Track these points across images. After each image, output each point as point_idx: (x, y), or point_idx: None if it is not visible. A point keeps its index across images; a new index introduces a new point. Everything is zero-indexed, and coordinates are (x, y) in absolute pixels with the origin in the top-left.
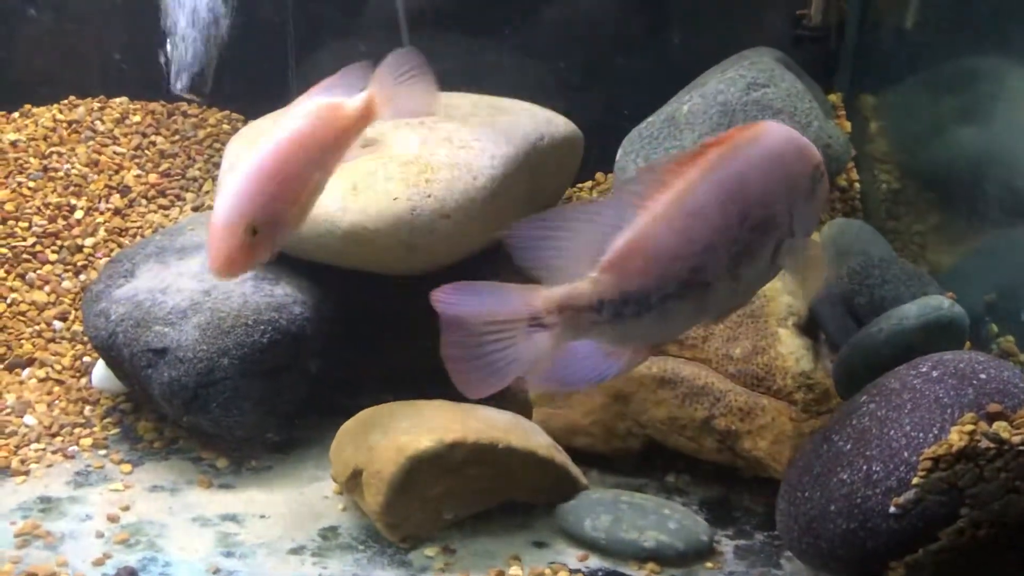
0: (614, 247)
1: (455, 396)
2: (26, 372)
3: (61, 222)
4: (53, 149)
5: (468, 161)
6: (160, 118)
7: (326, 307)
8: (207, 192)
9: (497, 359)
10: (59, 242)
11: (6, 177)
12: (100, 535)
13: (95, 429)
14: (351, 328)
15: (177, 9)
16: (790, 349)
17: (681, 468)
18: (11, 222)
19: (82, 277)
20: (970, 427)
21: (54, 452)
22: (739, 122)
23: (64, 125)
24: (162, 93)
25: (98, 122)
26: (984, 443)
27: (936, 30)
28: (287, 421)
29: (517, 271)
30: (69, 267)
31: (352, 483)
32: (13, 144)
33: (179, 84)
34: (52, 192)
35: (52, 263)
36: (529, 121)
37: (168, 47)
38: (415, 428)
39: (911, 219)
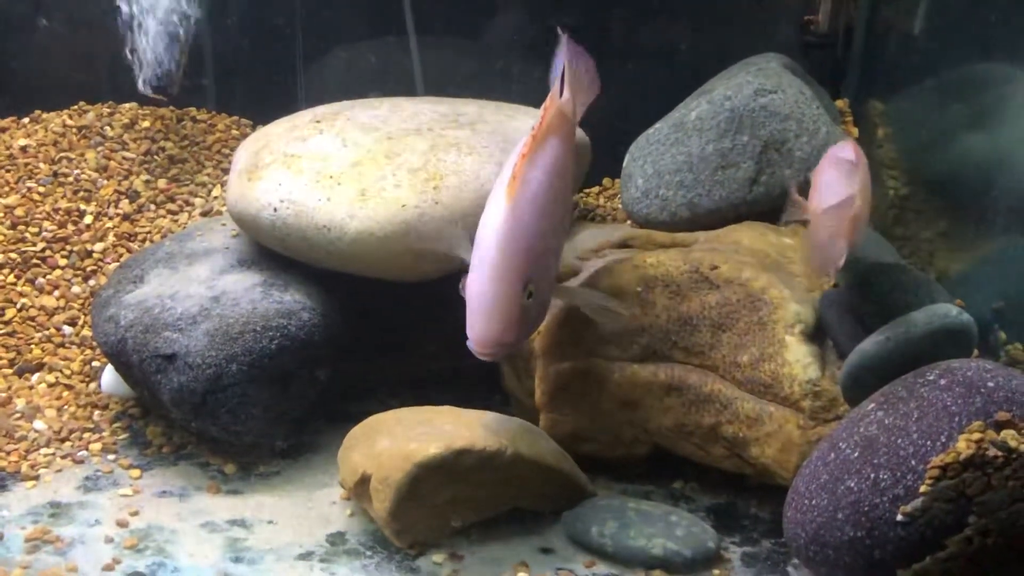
0: None
1: (462, 402)
2: (35, 377)
3: (71, 227)
4: (63, 154)
5: (476, 167)
6: (169, 123)
7: (334, 313)
8: (216, 197)
9: None
10: (68, 247)
11: (16, 182)
12: (109, 540)
13: (104, 434)
14: (359, 334)
15: (139, 8)
16: (797, 356)
17: (688, 475)
18: (21, 227)
19: (91, 282)
20: (978, 435)
21: (63, 457)
22: (747, 128)
23: (74, 130)
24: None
25: (107, 127)
26: (992, 451)
27: (944, 36)
28: (295, 427)
29: None
30: (78, 272)
31: (360, 489)
32: (23, 149)
33: (145, 85)
34: (62, 197)
35: (62, 268)
36: None
37: (131, 47)
38: (423, 435)
39: (919, 225)
